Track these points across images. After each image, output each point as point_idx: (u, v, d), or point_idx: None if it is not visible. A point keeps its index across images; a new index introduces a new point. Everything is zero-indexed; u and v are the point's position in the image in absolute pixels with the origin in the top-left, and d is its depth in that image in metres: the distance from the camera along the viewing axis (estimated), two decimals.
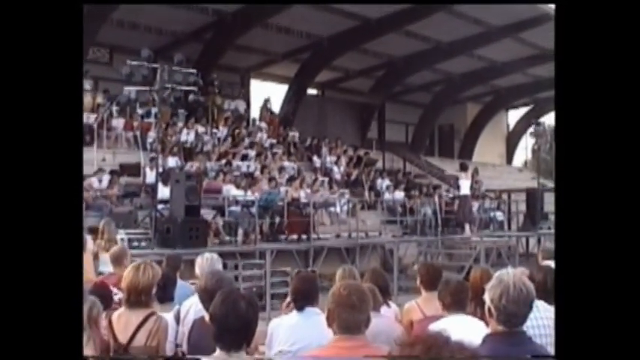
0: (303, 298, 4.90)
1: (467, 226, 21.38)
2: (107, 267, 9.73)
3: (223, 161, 20.56)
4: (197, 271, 6.33)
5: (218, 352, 3.40)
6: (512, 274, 3.53)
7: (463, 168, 22.08)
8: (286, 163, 23.02)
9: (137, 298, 4.89)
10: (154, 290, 5.04)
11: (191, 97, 21.77)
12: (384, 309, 5.77)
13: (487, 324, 4.06)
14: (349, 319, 3.61)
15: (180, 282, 6.80)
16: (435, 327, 4.15)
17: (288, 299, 5.35)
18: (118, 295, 5.93)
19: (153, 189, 16.50)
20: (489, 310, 3.52)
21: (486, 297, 3.52)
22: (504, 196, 26.76)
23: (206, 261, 6.32)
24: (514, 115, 42.09)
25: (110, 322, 4.94)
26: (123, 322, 4.89)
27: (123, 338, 4.81)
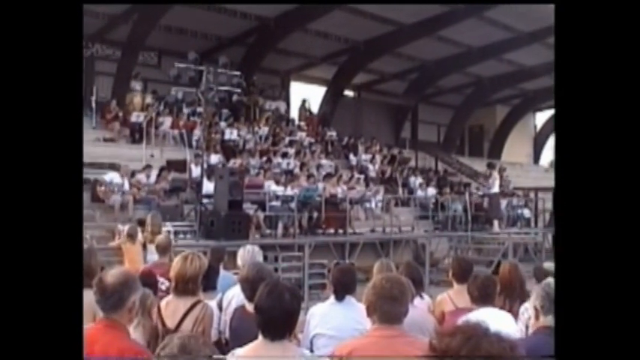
0: (343, 289, 4.88)
1: (495, 223, 21.24)
2: (154, 256, 9.84)
3: (264, 158, 20.63)
4: (239, 262, 6.36)
5: (261, 339, 3.39)
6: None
7: (491, 167, 21.95)
8: (324, 161, 23.04)
9: (185, 286, 4.91)
10: (200, 279, 5.06)
11: (234, 97, 21.95)
12: (417, 300, 5.71)
13: (515, 316, 4.96)
14: (390, 311, 3.59)
15: (223, 272, 6.81)
16: (470, 318, 4.15)
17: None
18: (165, 285, 5.96)
19: (198, 184, 16.55)
20: (535, 309, 4.04)
21: (535, 302, 4.03)
22: (531, 195, 26.47)
23: (248, 253, 6.35)
24: (541, 117, 41.48)
25: (159, 309, 4.97)
26: (171, 308, 4.91)
27: (171, 324, 4.82)
